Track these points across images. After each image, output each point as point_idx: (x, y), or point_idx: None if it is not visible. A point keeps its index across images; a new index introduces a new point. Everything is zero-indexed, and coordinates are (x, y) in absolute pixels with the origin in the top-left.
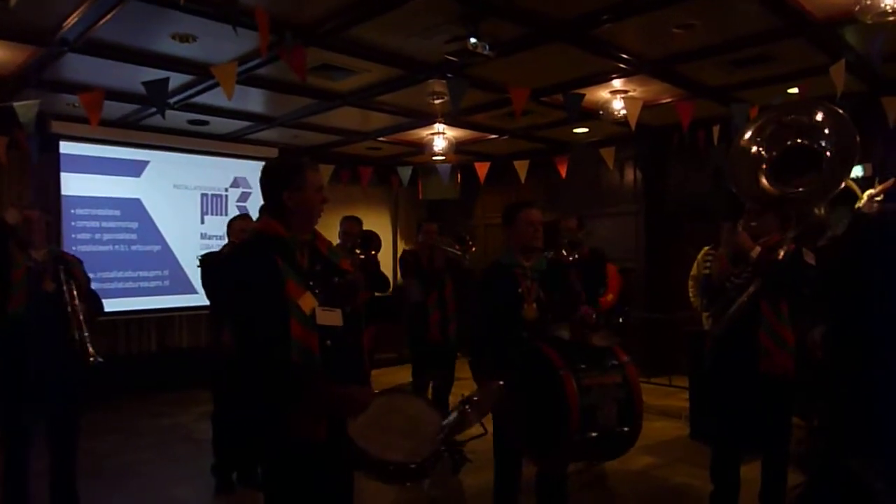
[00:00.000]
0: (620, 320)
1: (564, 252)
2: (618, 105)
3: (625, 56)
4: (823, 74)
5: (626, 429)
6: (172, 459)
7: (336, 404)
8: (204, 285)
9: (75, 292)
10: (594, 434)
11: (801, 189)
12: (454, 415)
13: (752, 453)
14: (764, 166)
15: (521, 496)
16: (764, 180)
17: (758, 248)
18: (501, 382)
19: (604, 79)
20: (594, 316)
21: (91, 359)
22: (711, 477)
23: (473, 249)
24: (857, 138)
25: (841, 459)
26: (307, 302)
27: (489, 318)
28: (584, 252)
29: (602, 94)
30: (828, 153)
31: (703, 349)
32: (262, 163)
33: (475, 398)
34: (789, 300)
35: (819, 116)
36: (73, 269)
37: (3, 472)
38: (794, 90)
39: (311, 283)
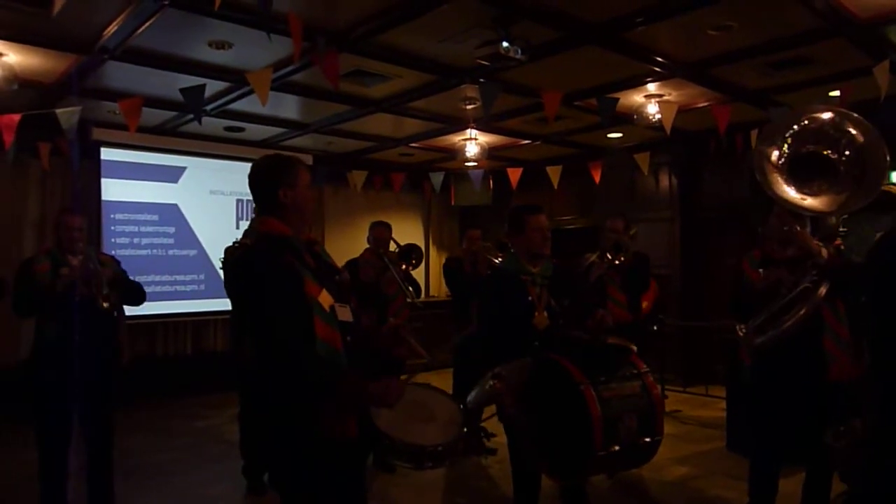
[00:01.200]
0: (655, 328)
1: (609, 255)
2: (652, 109)
3: (660, 59)
4: (866, 76)
5: (647, 439)
6: (205, 460)
7: (371, 398)
8: (226, 287)
9: (104, 280)
10: (617, 448)
11: (811, 199)
12: (477, 389)
13: (792, 465)
14: (780, 169)
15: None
16: (783, 184)
17: (824, 251)
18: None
19: (638, 82)
20: (609, 319)
21: (105, 304)
22: (750, 490)
23: None
24: (886, 153)
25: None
26: (325, 298)
27: (498, 327)
28: (629, 256)
29: (636, 98)
30: (843, 164)
31: (739, 361)
32: None
33: (502, 372)
34: (845, 301)
35: (850, 127)
36: (105, 267)
37: (42, 469)
38: (836, 93)
39: (322, 281)
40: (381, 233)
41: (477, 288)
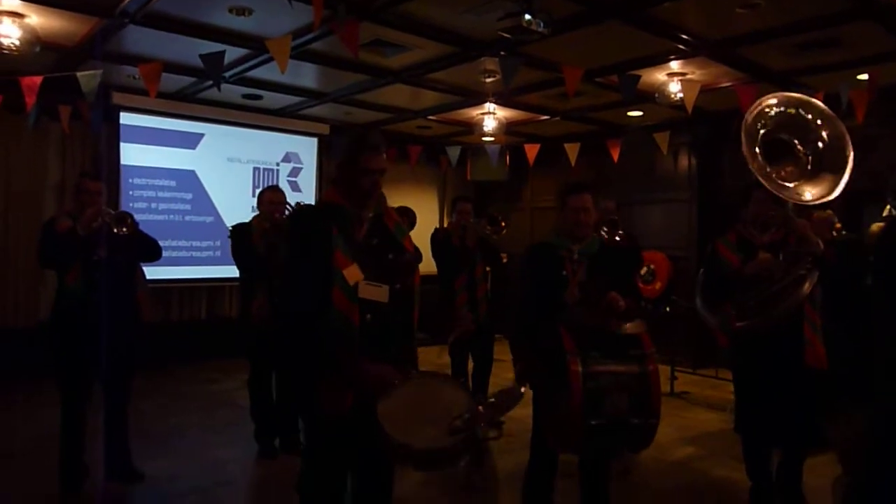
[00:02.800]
0: (668, 309)
1: (605, 233)
2: (674, 88)
3: (684, 37)
4: (895, 61)
5: (636, 420)
6: (218, 423)
7: (360, 381)
8: (234, 255)
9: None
10: (597, 422)
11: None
12: (467, 413)
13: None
14: (758, 149)
15: (557, 480)
16: (760, 159)
17: (819, 241)
18: (523, 389)
19: (661, 60)
20: (621, 303)
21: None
22: (747, 470)
23: (504, 232)
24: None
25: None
26: (352, 273)
27: (530, 299)
28: (624, 235)
29: (658, 76)
30: (810, 154)
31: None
32: (314, 139)
33: (492, 400)
34: (824, 287)
35: (816, 118)
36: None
37: (63, 427)
38: (864, 76)
39: (361, 256)
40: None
41: (464, 262)
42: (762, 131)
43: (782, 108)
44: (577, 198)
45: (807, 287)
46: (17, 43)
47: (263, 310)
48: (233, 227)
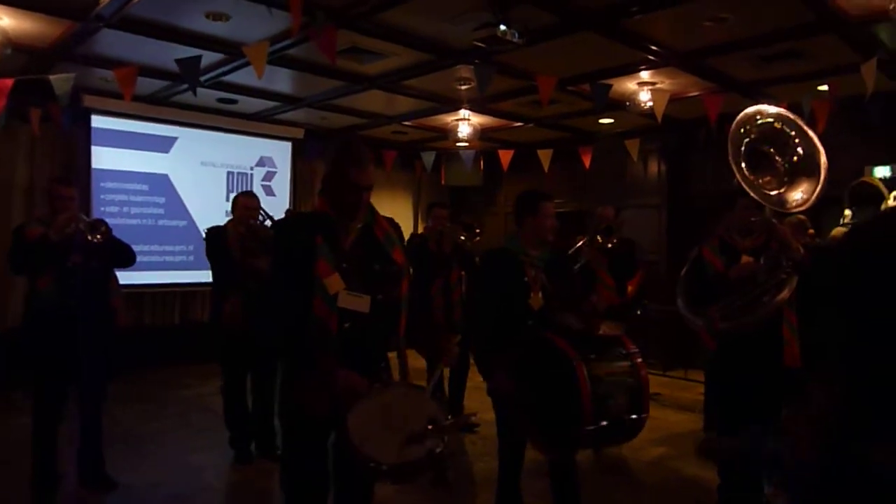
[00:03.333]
0: (638, 312)
1: (599, 238)
2: (645, 97)
3: (654, 48)
4: (854, 73)
5: (633, 416)
6: (193, 429)
7: (332, 386)
8: (208, 257)
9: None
10: (605, 423)
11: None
12: (429, 424)
13: None
14: (742, 150)
15: (523, 481)
16: (743, 166)
17: (799, 247)
18: (474, 419)
19: (632, 70)
20: (602, 305)
21: (97, 237)
22: (719, 471)
23: (478, 239)
24: (821, 157)
25: (856, 447)
26: (333, 283)
27: (492, 305)
28: (619, 241)
29: (629, 85)
30: (786, 164)
31: (704, 346)
32: (289, 143)
33: (445, 423)
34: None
35: (790, 130)
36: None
37: (36, 434)
38: (824, 87)
39: (344, 266)
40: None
41: (440, 267)
42: (746, 141)
43: (770, 121)
44: (549, 205)
45: (786, 291)
46: None
47: (235, 313)
48: (208, 230)
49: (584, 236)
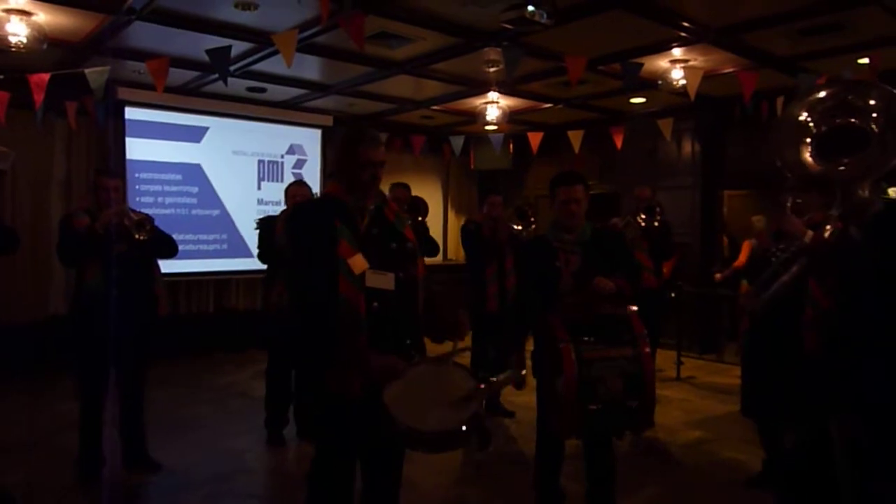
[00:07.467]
0: (672, 295)
1: (643, 218)
2: (677, 75)
3: (687, 24)
4: None
5: (634, 403)
6: (229, 414)
7: (366, 370)
8: (260, 247)
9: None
10: (595, 407)
11: (842, 168)
12: (468, 391)
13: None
14: (808, 140)
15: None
16: (807, 155)
17: (810, 233)
18: (524, 371)
19: (664, 48)
20: (610, 285)
21: (141, 236)
22: (764, 447)
23: (534, 227)
24: None
25: (825, 419)
26: (357, 263)
27: (527, 291)
28: (661, 221)
29: (661, 63)
30: (876, 132)
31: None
32: (318, 131)
33: (493, 379)
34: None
35: (873, 100)
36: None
37: (83, 418)
38: (865, 61)
39: (365, 246)
40: (400, 193)
41: (494, 254)
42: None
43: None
44: (565, 189)
45: (789, 274)
46: (25, 41)
47: (281, 300)
48: (259, 219)
49: (620, 218)
